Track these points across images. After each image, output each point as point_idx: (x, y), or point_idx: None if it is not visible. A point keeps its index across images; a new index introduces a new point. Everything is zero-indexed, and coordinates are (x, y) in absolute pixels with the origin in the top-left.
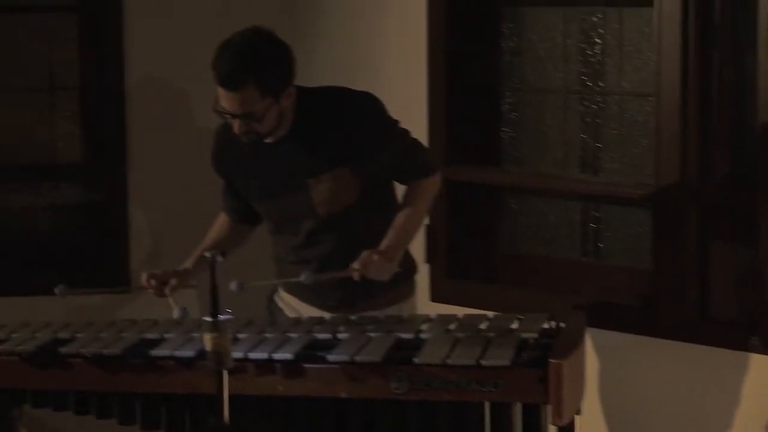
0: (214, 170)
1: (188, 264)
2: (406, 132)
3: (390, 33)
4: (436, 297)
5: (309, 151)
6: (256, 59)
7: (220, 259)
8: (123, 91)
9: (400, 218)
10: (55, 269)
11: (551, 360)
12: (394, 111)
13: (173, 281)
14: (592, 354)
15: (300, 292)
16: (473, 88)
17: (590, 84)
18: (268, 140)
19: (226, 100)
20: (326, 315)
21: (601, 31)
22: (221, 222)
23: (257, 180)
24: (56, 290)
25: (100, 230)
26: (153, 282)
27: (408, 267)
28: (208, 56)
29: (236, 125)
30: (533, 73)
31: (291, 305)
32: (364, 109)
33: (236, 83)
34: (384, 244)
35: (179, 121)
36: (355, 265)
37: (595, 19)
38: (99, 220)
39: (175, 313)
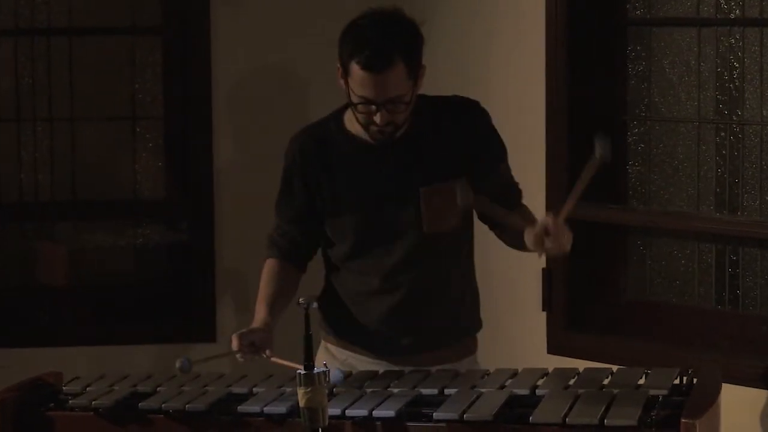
0: (285, 183)
1: (263, 316)
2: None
3: (504, 56)
4: (554, 349)
5: (424, 157)
6: (400, 35)
7: (315, 305)
8: (210, 120)
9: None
10: (136, 316)
11: (683, 420)
12: (508, 142)
13: (266, 344)
14: (729, 413)
15: (360, 339)
16: (596, 117)
17: (727, 113)
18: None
19: (370, 86)
20: (383, 366)
21: (740, 53)
22: (270, 273)
23: (355, 190)
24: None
25: (185, 272)
26: (245, 344)
27: (475, 322)
28: (301, 83)
29: (380, 116)
30: (663, 100)
31: (340, 359)
32: (488, 119)
33: (385, 62)
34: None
35: (270, 154)
36: (547, 242)
37: (732, 40)
38: (183, 262)
39: (335, 377)
